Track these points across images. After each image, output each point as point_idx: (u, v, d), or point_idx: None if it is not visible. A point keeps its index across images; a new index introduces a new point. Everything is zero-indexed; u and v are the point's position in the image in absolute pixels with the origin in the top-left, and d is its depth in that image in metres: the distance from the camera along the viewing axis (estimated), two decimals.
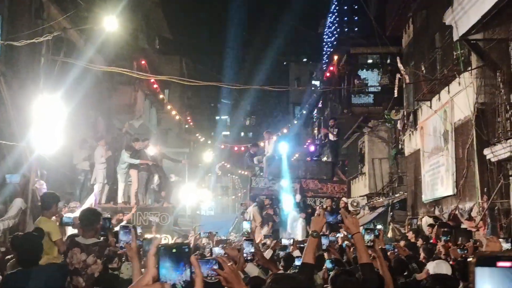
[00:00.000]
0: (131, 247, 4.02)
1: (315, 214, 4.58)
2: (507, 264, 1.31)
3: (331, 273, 4.61)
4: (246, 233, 6.69)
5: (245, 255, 5.28)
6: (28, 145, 11.40)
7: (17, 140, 11.43)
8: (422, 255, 10.21)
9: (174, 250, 1.68)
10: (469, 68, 14.25)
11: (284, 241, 9.43)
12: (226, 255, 5.97)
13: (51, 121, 11.49)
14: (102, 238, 6.01)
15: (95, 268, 5.56)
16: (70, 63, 13.99)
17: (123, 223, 12.18)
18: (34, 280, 5.00)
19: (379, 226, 22.16)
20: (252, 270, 5.50)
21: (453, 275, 6.25)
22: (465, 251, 8.28)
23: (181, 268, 1.67)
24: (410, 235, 13.33)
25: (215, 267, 3.23)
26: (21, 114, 11.60)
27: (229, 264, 3.21)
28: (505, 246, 4.79)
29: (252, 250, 5.28)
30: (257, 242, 14.03)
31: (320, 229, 4.35)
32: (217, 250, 6.12)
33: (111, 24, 13.05)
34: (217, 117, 70.97)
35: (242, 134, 68.68)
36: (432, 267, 6.17)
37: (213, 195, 35.21)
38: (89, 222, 5.86)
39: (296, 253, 7.88)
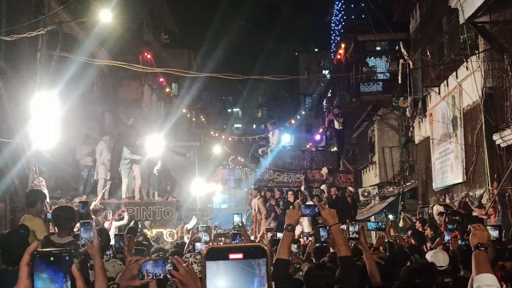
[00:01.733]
0: (93, 244, 3.79)
1: (290, 207, 4.31)
2: (239, 256, 1.31)
3: (305, 269, 4.35)
4: (237, 226, 6.43)
5: None
6: (26, 141, 11.26)
7: (15, 137, 11.29)
8: (428, 245, 9.96)
9: (52, 258, 1.43)
10: (476, 52, 13.90)
11: None
12: None
13: (49, 117, 11.33)
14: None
15: None
16: (71, 59, 13.82)
17: (120, 222, 12.06)
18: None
19: (390, 216, 21.89)
20: None
21: (450, 265, 5.98)
22: (467, 242, 7.98)
23: (60, 280, 1.43)
24: (417, 224, 13.04)
25: (170, 268, 3.01)
26: (18, 110, 11.46)
27: (184, 264, 2.97)
28: (493, 234, 4.47)
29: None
30: (260, 234, 13.86)
31: (296, 223, 4.09)
32: (199, 246, 5.90)
33: (107, 16, 12.83)
34: (229, 110, 70.80)
35: (254, 126, 68.40)
36: (430, 257, 5.91)
37: (226, 188, 35.04)
38: (63, 221, 5.59)
39: None
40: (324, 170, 17.80)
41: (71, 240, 5.39)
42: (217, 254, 1.34)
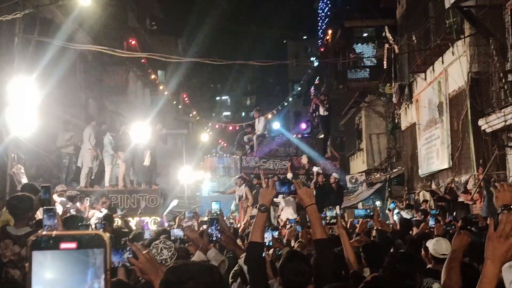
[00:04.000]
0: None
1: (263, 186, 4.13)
2: (72, 245, 1.20)
3: (281, 259, 4.12)
4: (214, 214, 6.27)
5: (214, 235, 4.88)
6: (4, 128, 11.01)
7: None
8: (414, 229, 9.87)
9: None
10: (462, 37, 13.78)
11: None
12: (185, 237, 5.59)
13: (28, 102, 11.07)
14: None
15: None
16: (50, 43, 13.50)
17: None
18: None
19: (377, 203, 21.84)
20: (216, 256, 5.10)
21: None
22: (453, 227, 7.89)
23: None
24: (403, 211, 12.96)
25: (130, 256, 2.85)
26: None
27: (144, 252, 2.81)
28: None
29: (217, 230, 4.87)
30: (244, 222, 13.71)
31: (269, 202, 3.88)
32: (176, 232, 5.73)
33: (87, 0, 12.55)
34: (217, 98, 70.45)
35: (243, 114, 68.15)
36: (432, 245, 5.76)
37: (217, 176, 34.90)
38: (20, 211, 5.30)
39: None
40: (304, 159, 17.71)
41: (29, 231, 5.15)
42: (46, 243, 1.20)
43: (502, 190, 3.38)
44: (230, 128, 27.78)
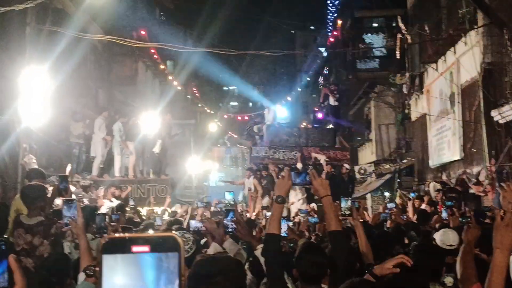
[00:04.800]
0: (77, 223, 3.60)
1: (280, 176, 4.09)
2: (145, 248, 1.14)
3: (297, 251, 4.11)
4: (228, 204, 6.23)
5: (229, 226, 4.87)
6: (16, 118, 11.01)
7: (4, 113, 11.04)
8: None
9: None
10: (475, 27, 13.64)
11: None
12: (203, 229, 5.56)
13: (40, 92, 11.07)
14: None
15: (43, 249, 5.11)
16: (62, 33, 13.48)
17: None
18: None
19: (386, 193, 21.81)
20: (231, 247, 5.08)
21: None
22: (468, 219, 7.83)
23: None
24: (416, 202, 12.87)
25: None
26: (7, 86, 11.17)
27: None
28: None
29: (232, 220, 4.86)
30: (255, 213, 13.72)
31: (286, 193, 3.84)
32: (194, 223, 5.71)
33: None
34: (225, 88, 70.31)
35: (251, 104, 68.04)
36: (439, 236, 5.72)
37: (224, 166, 34.98)
38: (32, 200, 5.30)
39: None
40: (322, 159, 17.58)
41: (41, 220, 5.15)
42: (117, 246, 1.14)
43: (509, 190, 3.37)
44: (239, 118, 27.75)
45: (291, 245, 6.36)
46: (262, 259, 4.39)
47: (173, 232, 1.23)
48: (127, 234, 1.17)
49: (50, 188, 7.82)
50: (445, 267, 5.20)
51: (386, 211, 8.79)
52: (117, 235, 1.18)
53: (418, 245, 4.73)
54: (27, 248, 5.19)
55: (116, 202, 11.88)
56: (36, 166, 11.36)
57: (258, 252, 4.67)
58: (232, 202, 6.18)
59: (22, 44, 12.14)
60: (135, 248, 1.14)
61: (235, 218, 5.02)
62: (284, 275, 3.91)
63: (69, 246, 5.34)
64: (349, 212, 5.11)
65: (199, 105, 33.16)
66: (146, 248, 1.14)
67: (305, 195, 14.73)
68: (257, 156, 18.55)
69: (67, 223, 3.70)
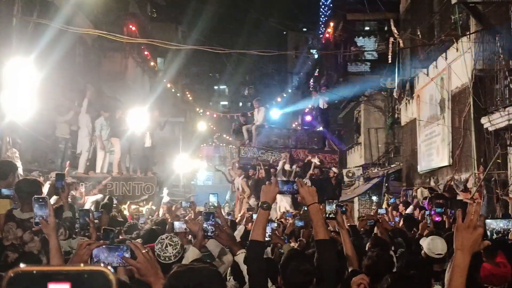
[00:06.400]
0: (48, 223, 3.44)
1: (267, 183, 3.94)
2: (64, 286, 0.89)
3: (282, 258, 3.97)
4: (212, 207, 6.04)
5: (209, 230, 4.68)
6: None
7: None
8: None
9: None
10: (467, 33, 13.59)
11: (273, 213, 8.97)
12: (187, 230, 5.41)
13: (25, 86, 10.86)
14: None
15: (33, 246, 4.96)
16: (49, 26, 13.24)
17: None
18: None
19: (374, 198, 21.78)
20: (214, 247, 4.92)
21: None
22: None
23: None
24: (401, 207, 12.83)
25: (127, 255, 2.63)
26: None
27: (144, 251, 2.57)
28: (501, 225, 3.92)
29: (211, 224, 4.66)
30: (240, 214, 13.55)
31: (272, 200, 3.73)
32: (178, 225, 5.54)
33: None
34: (215, 87, 70.19)
35: (241, 104, 67.97)
36: (426, 244, 5.58)
37: (211, 165, 34.84)
38: (26, 195, 5.13)
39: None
40: (316, 161, 17.43)
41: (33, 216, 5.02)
42: (27, 282, 0.90)
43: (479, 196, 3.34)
44: (228, 117, 27.62)
45: (281, 250, 6.21)
46: (243, 266, 4.24)
47: (104, 267, 0.94)
48: (41, 267, 0.93)
49: (47, 185, 7.66)
50: (433, 276, 5.09)
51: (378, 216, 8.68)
52: (27, 267, 0.94)
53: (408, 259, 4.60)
54: (16, 244, 5.07)
55: (99, 196, 11.65)
56: (19, 161, 11.16)
57: (239, 257, 4.51)
58: (215, 204, 5.98)
59: (8, 35, 11.93)
60: (51, 286, 0.92)
61: (214, 222, 4.83)
62: (268, 283, 3.78)
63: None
64: (333, 215, 4.96)
65: (191, 104, 32.96)
66: (65, 286, 0.92)
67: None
68: (245, 157, 18.40)
69: (38, 222, 3.54)
